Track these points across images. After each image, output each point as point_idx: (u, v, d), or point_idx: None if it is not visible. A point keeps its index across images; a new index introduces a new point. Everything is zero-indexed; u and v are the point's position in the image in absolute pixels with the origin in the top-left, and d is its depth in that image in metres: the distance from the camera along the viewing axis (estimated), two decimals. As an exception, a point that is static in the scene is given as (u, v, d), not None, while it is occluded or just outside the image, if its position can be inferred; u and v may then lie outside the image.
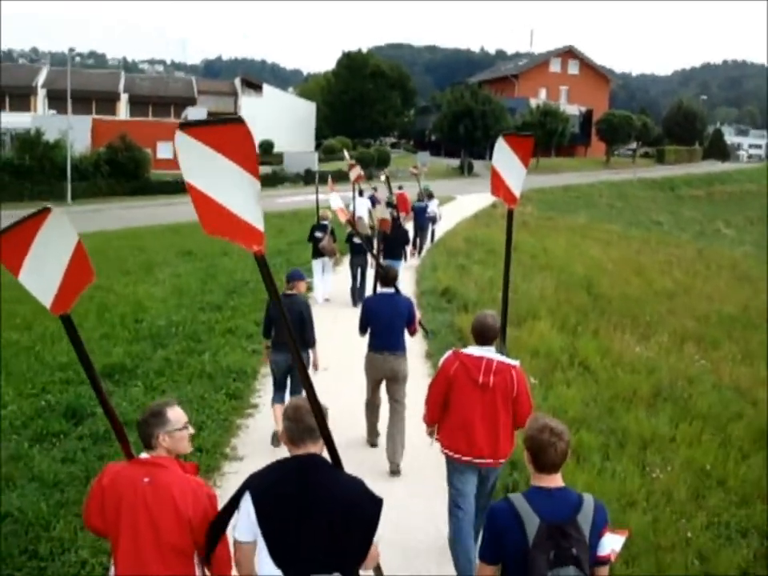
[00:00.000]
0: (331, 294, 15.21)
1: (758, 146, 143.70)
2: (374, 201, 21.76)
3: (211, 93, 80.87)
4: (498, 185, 5.12)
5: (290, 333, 3.25)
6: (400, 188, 22.83)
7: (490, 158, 5.38)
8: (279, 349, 7.56)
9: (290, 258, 19.03)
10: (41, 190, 38.34)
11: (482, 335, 5.33)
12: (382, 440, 7.57)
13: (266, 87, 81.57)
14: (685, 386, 10.70)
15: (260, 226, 2.83)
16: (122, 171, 42.13)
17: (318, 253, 14.50)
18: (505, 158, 5.08)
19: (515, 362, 5.34)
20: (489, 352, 5.31)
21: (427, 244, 22.33)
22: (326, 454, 3.26)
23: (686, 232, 40.05)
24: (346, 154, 21.55)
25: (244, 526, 3.20)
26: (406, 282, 16.23)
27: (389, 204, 18.37)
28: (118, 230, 27.69)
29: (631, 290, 18.96)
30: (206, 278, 16.93)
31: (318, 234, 14.34)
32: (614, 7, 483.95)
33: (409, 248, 16.07)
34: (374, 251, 9.61)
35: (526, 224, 30.50)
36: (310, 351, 7.65)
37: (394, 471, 7.15)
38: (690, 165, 75.79)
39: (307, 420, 3.21)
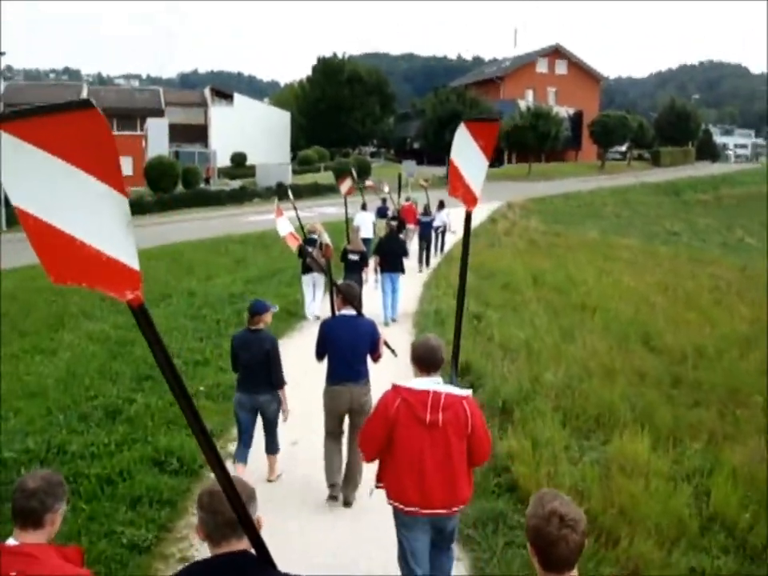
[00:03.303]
0: (322, 312, 13.30)
1: (744, 146, 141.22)
2: (381, 212, 22.57)
3: (180, 104, 77.60)
4: (456, 183, 4.36)
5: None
6: (407, 200, 22.89)
7: None
8: (245, 389, 6.97)
9: (243, 308, 14.16)
10: (-27, 216, 33.28)
11: (427, 361, 4.62)
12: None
13: (237, 97, 77.74)
14: None
15: (134, 263, 1.99)
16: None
17: (307, 268, 13.82)
18: (465, 149, 4.30)
19: (466, 392, 4.61)
20: (435, 383, 4.57)
21: (433, 258, 21.51)
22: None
23: (708, 243, 35.48)
24: (353, 172, 21.28)
25: None
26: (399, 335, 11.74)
27: (393, 218, 18.45)
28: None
29: (697, 337, 14.25)
30: (122, 345, 12.02)
31: (307, 249, 12.70)
32: (591, 9, 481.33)
33: (407, 261, 15.10)
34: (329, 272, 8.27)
35: (534, 243, 25.83)
36: (279, 393, 7.02)
37: (348, 503, 6.72)
38: (686, 167, 71.75)
39: (228, 510, 2.43)
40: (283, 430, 7.47)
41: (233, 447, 7.98)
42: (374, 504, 5.84)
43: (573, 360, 10.80)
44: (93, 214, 1.94)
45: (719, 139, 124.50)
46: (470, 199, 4.40)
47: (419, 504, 4.54)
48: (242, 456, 7.09)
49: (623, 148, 75.75)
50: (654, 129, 78.42)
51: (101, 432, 8.00)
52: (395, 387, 4.70)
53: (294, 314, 14.27)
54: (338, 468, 6.93)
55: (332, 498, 6.84)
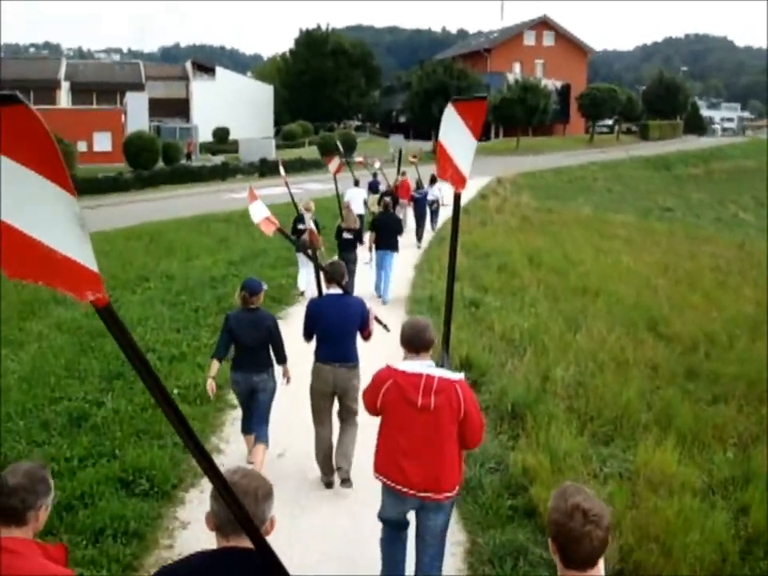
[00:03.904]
0: (314, 291, 11.73)
1: (730, 119, 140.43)
2: (373, 187, 22.18)
3: (160, 78, 76.25)
4: (445, 165, 4.25)
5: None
6: (403, 174, 22.05)
7: None
8: (240, 368, 6.74)
9: (224, 294, 13.30)
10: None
11: (416, 342, 4.54)
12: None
13: (219, 70, 76.39)
14: None
15: (91, 264, 1.86)
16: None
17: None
18: (454, 129, 4.17)
19: (458, 376, 4.49)
20: (427, 367, 4.48)
21: (426, 233, 20.67)
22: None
23: (702, 219, 34.74)
24: (340, 148, 21.13)
25: None
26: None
27: (386, 193, 18.22)
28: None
29: (705, 321, 13.54)
30: (93, 336, 11.10)
31: (301, 227, 12.69)
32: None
33: (401, 238, 14.54)
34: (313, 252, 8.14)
35: (527, 220, 24.97)
36: (282, 368, 6.89)
37: (345, 480, 6.41)
38: (675, 141, 70.94)
39: (242, 505, 2.33)
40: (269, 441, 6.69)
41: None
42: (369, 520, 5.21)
43: (581, 352, 10.00)
44: (41, 211, 1.83)
45: (705, 113, 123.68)
46: (458, 180, 4.30)
47: (407, 484, 4.48)
48: (248, 428, 6.97)
49: (610, 122, 74.84)
50: (643, 102, 77.53)
51: (63, 443, 7.12)
52: (389, 367, 4.64)
53: (278, 300, 13.40)
54: (329, 454, 6.72)
55: (327, 484, 6.70)
